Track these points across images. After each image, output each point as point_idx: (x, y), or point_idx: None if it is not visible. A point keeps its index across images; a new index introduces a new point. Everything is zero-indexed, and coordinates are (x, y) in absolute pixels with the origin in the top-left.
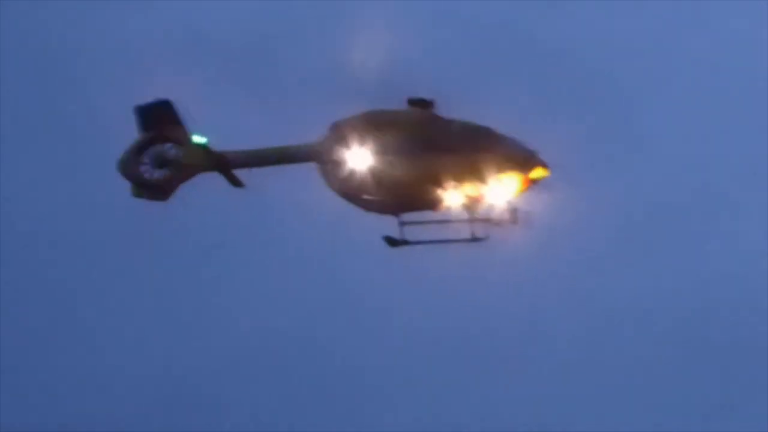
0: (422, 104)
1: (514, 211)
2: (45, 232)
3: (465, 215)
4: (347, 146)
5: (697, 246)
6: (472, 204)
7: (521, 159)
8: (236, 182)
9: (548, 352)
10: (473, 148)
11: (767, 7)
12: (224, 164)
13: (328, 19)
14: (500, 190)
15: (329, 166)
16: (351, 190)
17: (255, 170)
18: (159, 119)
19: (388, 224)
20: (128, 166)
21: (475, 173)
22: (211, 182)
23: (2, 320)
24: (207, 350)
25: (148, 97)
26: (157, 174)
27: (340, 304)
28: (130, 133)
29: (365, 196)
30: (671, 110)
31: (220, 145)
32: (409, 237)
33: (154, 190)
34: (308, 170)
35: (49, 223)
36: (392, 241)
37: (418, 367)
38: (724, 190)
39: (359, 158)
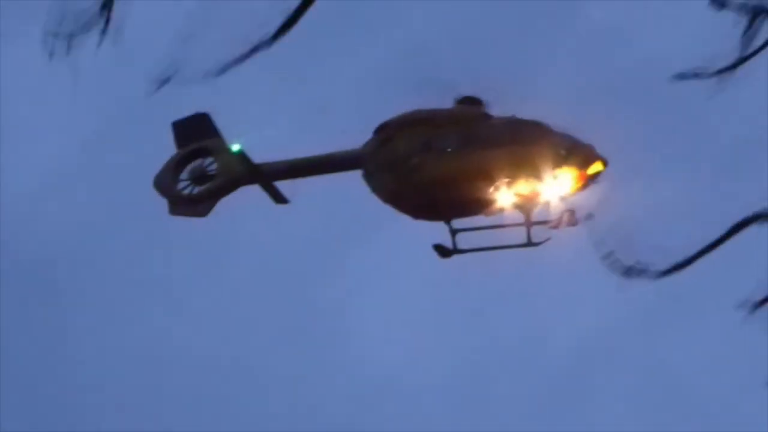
0: (471, 102)
1: (572, 211)
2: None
3: (519, 218)
4: (394, 148)
5: None
6: (525, 204)
7: (576, 153)
8: (279, 198)
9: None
10: (523, 142)
11: None
12: (263, 175)
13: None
14: (555, 188)
15: (375, 171)
16: (398, 195)
17: (299, 181)
18: (196, 134)
19: (439, 232)
20: (165, 184)
21: (526, 169)
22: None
23: None
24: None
25: (185, 112)
26: (196, 190)
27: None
28: None
29: (413, 201)
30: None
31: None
32: (461, 245)
33: (193, 207)
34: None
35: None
36: (443, 251)
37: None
38: None
39: (407, 160)
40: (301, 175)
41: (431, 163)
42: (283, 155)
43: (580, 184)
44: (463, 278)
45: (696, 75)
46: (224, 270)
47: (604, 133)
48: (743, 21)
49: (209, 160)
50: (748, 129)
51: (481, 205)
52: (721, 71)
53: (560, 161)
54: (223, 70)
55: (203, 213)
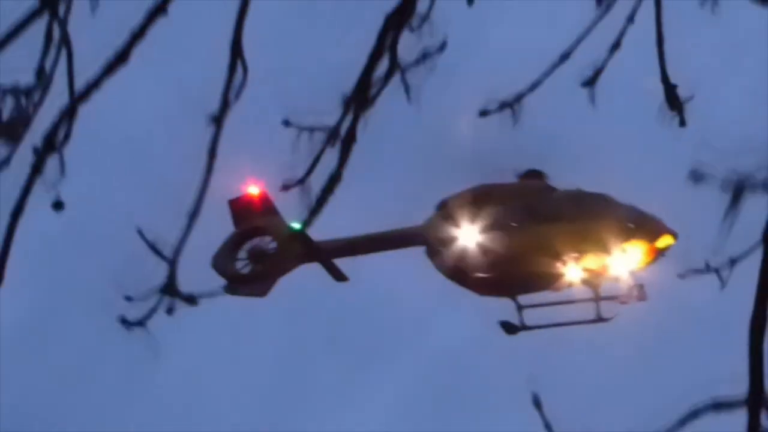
0: (534, 176)
1: (641, 286)
2: None
3: (587, 293)
4: (457, 224)
5: None
6: (593, 279)
7: (644, 226)
8: (339, 275)
9: None
10: (590, 215)
11: None
12: (323, 253)
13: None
14: (624, 262)
15: (439, 248)
16: (463, 272)
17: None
18: (253, 211)
19: (505, 309)
20: (223, 263)
21: (594, 244)
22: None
23: None
24: None
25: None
26: (255, 269)
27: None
28: None
29: (478, 275)
30: None
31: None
32: (527, 322)
33: (252, 287)
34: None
35: None
36: (510, 327)
37: None
38: None
39: (470, 235)
40: (361, 252)
41: (498, 240)
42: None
43: (649, 258)
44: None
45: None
46: None
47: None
48: (725, 197)
49: (267, 238)
50: None
51: (548, 281)
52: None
53: (628, 235)
54: None
55: (263, 292)
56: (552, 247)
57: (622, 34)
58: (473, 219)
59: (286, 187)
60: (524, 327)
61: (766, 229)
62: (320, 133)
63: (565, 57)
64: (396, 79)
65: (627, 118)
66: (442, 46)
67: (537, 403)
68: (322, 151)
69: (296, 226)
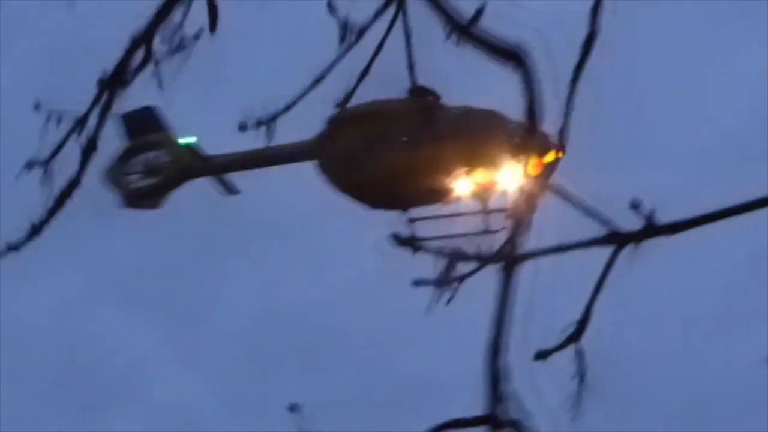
0: (424, 93)
1: (530, 198)
2: None
3: (476, 206)
4: (347, 139)
5: None
6: (482, 193)
7: (532, 141)
8: (230, 189)
9: None
10: (479, 131)
11: None
12: (214, 167)
13: None
14: (511, 177)
15: (330, 163)
16: (357, 187)
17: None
18: (144, 127)
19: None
20: (116, 177)
21: (482, 159)
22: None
23: None
24: None
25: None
26: (148, 182)
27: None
28: None
29: (372, 192)
30: None
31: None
32: (418, 234)
33: (146, 200)
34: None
35: None
36: (400, 240)
37: None
38: None
39: (361, 150)
40: (250, 167)
41: (388, 154)
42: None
43: (536, 172)
44: None
45: None
46: None
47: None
48: None
49: (158, 152)
50: None
51: (439, 195)
52: None
53: (516, 149)
54: None
55: (156, 205)
56: (442, 162)
57: (371, 62)
58: (364, 135)
59: (30, 166)
60: (414, 239)
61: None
62: (69, 119)
63: (317, 81)
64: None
65: None
66: (197, 35)
67: None
68: (66, 139)
69: (188, 140)
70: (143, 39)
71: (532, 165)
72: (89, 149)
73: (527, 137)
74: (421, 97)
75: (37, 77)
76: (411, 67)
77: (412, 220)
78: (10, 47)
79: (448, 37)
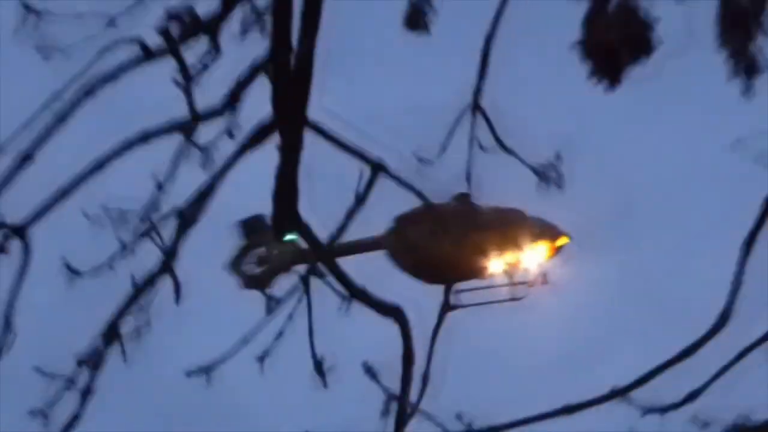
0: (463, 197)
1: (545, 274)
2: None
3: (505, 280)
4: (413, 234)
5: None
6: (510, 270)
7: (547, 231)
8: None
9: None
10: (508, 224)
11: None
12: (310, 258)
13: None
14: (533, 257)
15: (398, 251)
16: (418, 269)
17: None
18: (255, 229)
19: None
20: (235, 267)
21: (510, 244)
22: None
23: None
24: None
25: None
26: (258, 270)
27: None
28: None
29: (429, 271)
30: None
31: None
32: (462, 302)
33: (257, 283)
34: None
35: None
36: (449, 306)
37: None
38: None
39: (421, 242)
40: (339, 255)
41: (442, 244)
42: None
43: (550, 254)
44: None
45: None
46: None
47: None
48: None
49: (268, 247)
50: None
51: (478, 272)
52: None
53: (536, 237)
54: None
55: (265, 287)
56: (481, 249)
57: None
58: (424, 230)
59: None
60: (460, 305)
61: None
62: None
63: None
64: None
65: None
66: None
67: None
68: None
69: (290, 236)
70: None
71: (548, 248)
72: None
73: (543, 228)
74: (461, 200)
75: None
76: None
77: (457, 291)
78: None
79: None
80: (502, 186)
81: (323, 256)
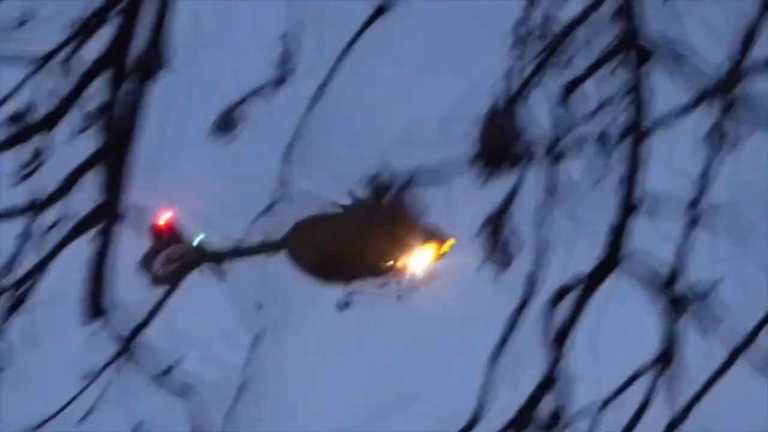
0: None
1: (429, 274)
2: None
3: (394, 281)
4: (308, 238)
5: None
6: (399, 272)
7: (434, 235)
8: (222, 272)
9: None
10: (398, 228)
11: None
12: (214, 257)
13: None
14: (419, 260)
15: (296, 253)
16: (315, 269)
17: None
18: (163, 232)
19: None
20: (145, 266)
21: (401, 247)
22: None
23: None
24: None
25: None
26: (168, 269)
27: None
28: None
29: (326, 270)
30: None
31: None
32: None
33: (166, 281)
34: None
35: None
36: (342, 305)
37: None
38: None
39: (319, 242)
40: (236, 257)
41: (339, 244)
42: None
43: (437, 256)
44: None
45: None
46: None
47: None
48: None
49: (174, 247)
50: None
51: (372, 273)
52: None
53: (424, 240)
54: None
55: (175, 284)
56: (375, 248)
57: None
58: (319, 235)
59: None
60: (350, 303)
61: None
62: None
63: None
64: None
65: None
66: None
67: None
68: None
69: (198, 240)
70: None
71: (434, 251)
72: None
73: (431, 232)
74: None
75: None
76: None
77: (350, 293)
78: None
79: None
80: None
81: (222, 258)
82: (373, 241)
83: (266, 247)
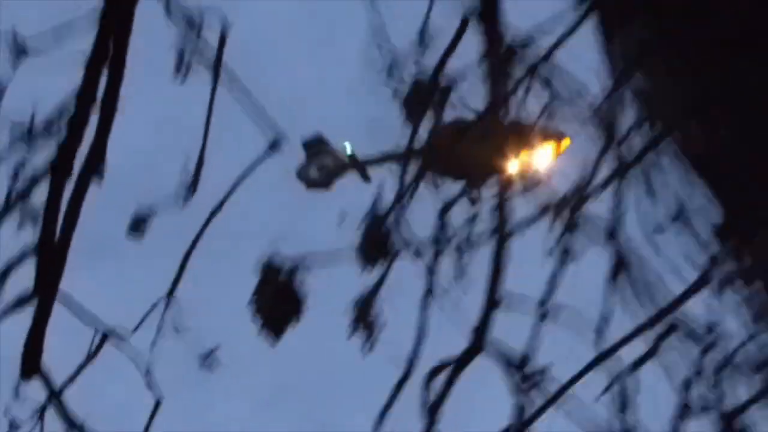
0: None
1: (549, 171)
2: None
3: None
4: (441, 140)
5: None
6: (523, 170)
7: (552, 134)
8: (367, 177)
9: None
10: (520, 129)
11: None
12: (361, 165)
13: None
14: (540, 158)
15: (430, 156)
16: (445, 169)
17: None
18: (316, 143)
19: None
20: (302, 174)
21: (522, 147)
22: None
23: None
24: None
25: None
26: (322, 174)
27: None
28: None
29: (455, 170)
30: None
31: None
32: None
33: (321, 185)
34: None
35: None
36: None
37: None
38: None
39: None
40: (380, 162)
41: (467, 145)
42: None
43: (556, 155)
44: None
45: None
46: None
47: None
48: None
49: (328, 156)
50: None
51: (498, 170)
52: None
53: (542, 139)
54: None
55: (328, 188)
56: (499, 148)
57: None
58: (448, 134)
59: None
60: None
61: None
62: None
63: None
64: None
65: None
66: None
67: None
68: None
69: (348, 150)
70: None
71: (554, 149)
72: None
73: (549, 131)
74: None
75: None
76: None
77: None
78: None
79: None
80: None
81: (359, 166)
82: (497, 141)
83: (406, 154)
